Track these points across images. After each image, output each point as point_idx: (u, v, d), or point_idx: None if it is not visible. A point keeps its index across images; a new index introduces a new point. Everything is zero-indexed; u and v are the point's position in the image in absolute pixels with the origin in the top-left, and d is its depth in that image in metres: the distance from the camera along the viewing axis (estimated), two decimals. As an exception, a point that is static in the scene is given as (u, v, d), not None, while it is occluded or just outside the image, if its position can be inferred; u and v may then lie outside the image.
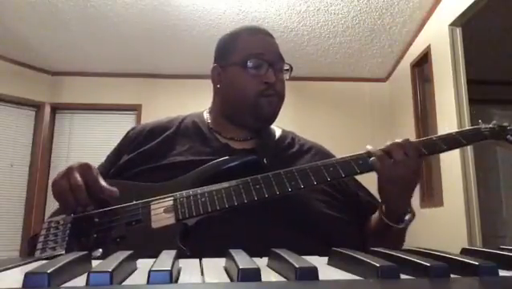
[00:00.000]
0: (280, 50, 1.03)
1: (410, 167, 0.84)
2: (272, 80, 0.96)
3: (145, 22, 3.52)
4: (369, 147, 0.87)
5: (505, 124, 0.96)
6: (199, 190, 0.79)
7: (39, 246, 0.73)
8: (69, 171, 0.78)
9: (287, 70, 1.03)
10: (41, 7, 3.32)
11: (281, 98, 1.01)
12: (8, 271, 0.39)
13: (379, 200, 0.90)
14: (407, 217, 0.87)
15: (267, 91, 0.97)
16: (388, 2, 3.24)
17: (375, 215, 0.94)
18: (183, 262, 0.43)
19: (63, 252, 0.70)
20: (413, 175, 0.86)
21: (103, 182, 0.78)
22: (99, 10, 3.37)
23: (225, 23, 3.48)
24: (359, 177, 1.02)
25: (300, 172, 0.81)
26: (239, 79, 0.98)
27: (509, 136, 0.95)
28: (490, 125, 0.96)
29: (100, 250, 0.71)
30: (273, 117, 1.01)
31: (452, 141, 0.91)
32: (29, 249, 0.77)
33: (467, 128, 1.00)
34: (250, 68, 0.97)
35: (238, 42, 1.02)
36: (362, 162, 0.84)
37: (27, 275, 0.29)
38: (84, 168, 0.78)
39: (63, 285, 0.31)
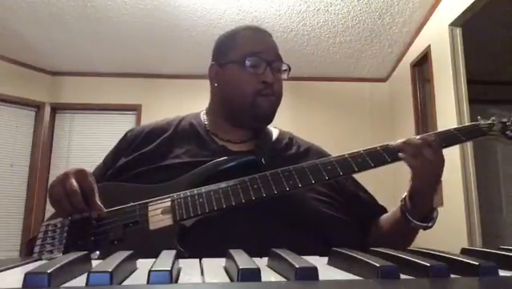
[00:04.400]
0: (279, 50, 1.02)
1: (440, 164, 0.85)
2: (270, 80, 0.96)
3: (145, 22, 3.52)
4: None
5: (505, 119, 0.96)
6: (196, 191, 0.78)
7: (37, 249, 0.72)
8: (65, 176, 0.77)
9: (285, 70, 1.02)
10: (41, 7, 3.32)
11: (278, 97, 1.00)
12: (8, 271, 0.39)
13: (408, 199, 0.88)
14: (434, 215, 0.87)
15: (265, 90, 0.96)
16: (388, 2, 3.24)
17: (388, 215, 0.94)
18: (183, 262, 0.43)
19: (61, 255, 0.70)
20: (441, 172, 0.86)
21: (96, 193, 0.77)
22: (99, 10, 3.37)
23: (225, 23, 3.48)
24: (358, 177, 1.02)
25: (298, 171, 0.81)
26: (237, 78, 0.97)
27: (508, 132, 0.94)
28: (489, 121, 0.96)
29: (98, 252, 0.70)
30: (270, 117, 1.00)
31: (450, 138, 0.90)
32: (27, 252, 0.76)
33: (466, 124, 1.00)
34: (248, 67, 0.96)
35: (237, 41, 1.01)
36: (361, 160, 0.84)
37: (27, 275, 0.29)
38: (81, 174, 0.77)
39: (63, 285, 0.31)
